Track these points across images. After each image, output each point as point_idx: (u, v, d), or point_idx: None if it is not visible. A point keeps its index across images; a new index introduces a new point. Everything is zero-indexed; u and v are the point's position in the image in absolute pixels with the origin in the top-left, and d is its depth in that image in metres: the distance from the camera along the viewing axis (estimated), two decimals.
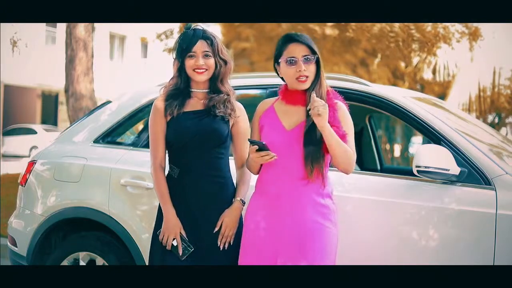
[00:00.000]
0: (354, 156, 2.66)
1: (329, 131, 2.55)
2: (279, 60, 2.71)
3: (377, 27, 9.96)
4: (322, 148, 2.61)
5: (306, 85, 2.67)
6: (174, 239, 2.75)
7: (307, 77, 2.65)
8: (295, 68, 2.64)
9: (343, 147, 2.59)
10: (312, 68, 2.66)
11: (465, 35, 10.32)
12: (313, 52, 2.65)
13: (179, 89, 2.83)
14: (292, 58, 2.65)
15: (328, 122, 2.57)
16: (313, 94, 2.55)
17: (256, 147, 2.57)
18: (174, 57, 2.84)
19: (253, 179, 2.87)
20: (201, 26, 2.87)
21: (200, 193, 2.78)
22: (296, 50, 2.65)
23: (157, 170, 2.84)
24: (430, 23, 9.97)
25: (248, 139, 2.62)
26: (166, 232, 2.77)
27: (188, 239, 2.76)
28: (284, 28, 10.04)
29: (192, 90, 2.85)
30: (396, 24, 9.86)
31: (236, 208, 2.80)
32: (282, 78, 2.78)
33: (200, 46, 2.78)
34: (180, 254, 2.74)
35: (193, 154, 2.78)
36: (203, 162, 2.79)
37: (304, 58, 2.64)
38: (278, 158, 2.58)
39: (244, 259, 2.71)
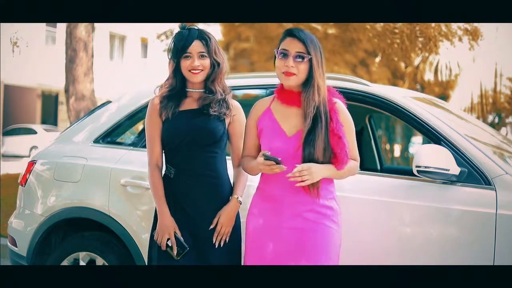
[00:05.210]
0: (356, 166, 2.69)
1: (323, 175, 2.55)
2: (275, 52, 2.65)
3: (379, 24, 9.95)
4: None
5: (291, 82, 2.59)
6: (168, 239, 2.74)
7: (294, 74, 2.58)
8: (284, 61, 2.58)
9: (344, 173, 2.64)
10: (302, 67, 2.57)
11: (467, 33, 10.30)
12: (308, 52, 2.58)
13: (175, 90, 2.82)
14: (284, 51, 2.59)
15: (330, 127, 2.57)
16: (298, 167, 2.49)
17: (268, 161, 2.51)
18: (170, 57, 2.82)
19: (252, 178, 2.88)
20: (197, 26, 2.84)
21: (195, 193, 2.77)
22: (290, 44, 2.59)
23: (153, 170, 2.83)
24: None
25: (264, 154, 2.52)
26: (160, 232, 2.76)
27: (185, 239, 2.74)
28: (286, 28, 10.04)
29: (188, 90, 2.84)
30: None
31: (232, 206, 2.78)
32: None
33: (196, 47, 2.76)
34: (175, 254, 2.73)
35: (187, 153, 2.77)
36: (197, 162, 2.77)
37: (297, 55, 2.57)
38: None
39: (248, 259, 2.71)
